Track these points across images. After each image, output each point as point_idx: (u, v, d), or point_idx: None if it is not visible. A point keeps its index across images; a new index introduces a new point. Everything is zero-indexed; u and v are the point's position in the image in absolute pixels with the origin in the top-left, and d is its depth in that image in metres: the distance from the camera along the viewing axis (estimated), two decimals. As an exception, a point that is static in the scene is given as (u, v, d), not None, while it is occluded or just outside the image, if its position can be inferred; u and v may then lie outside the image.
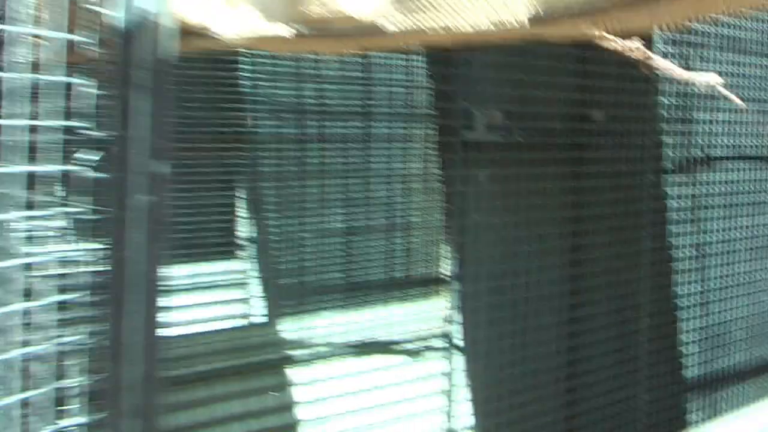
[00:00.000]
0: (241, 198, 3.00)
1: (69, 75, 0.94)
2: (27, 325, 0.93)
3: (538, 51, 2.80)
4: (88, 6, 0.93)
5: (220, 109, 2.86)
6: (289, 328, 2.89)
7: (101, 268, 0.92)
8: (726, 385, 3.67)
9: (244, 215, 3.09)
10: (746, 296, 3.71)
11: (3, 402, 0.89)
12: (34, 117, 0.93)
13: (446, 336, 3.13)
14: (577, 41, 1.45)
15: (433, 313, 3.15)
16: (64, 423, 0.93)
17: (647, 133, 3.19)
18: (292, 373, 2.86)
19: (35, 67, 0.93)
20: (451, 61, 2.90)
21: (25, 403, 0.91)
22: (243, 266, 2.94)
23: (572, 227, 3.17)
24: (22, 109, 0.93)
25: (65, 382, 0.94)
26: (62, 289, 0.94)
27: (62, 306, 0.94)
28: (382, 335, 3.08)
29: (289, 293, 2.97)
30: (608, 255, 3.18)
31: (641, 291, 3.29)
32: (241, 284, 2.94)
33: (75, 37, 0.94)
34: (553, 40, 1.34)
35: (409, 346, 3.14)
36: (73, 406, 0.94)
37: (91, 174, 0.92)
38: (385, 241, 3.17)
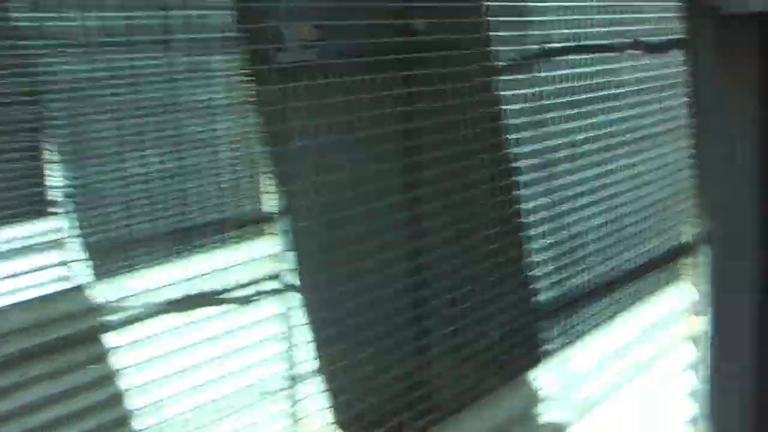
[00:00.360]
0: (43, 148, 2.72)
1: None
2: None
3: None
4: None
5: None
6: (106, 289, 2.59)
7: None
8: (583, 303, 3.50)
9: (49, 167, 2.82)
10: (600, 202, 3.52)
11: None
12: None
13: (278, 277, 2.90)
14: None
15: (261, 255, 2.88)
16: None
17: (475, 31, 2.90)
18: (114, 339, 2.54)
19: None
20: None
21: None
22: (49, 226, 2.66)
23: (404, 143, 2.90)
24: None
25: None
26: None
27: None
28: (210, 285, 2.82)
29: (103, 251, 2.72)
30: (447, 171, 2.93)
31: (486, 210, 3.06)
32: (51, 246, 2.65)
33: None
34: None
35: (240, 293, 2.92)
36: None
37: None
38: (201, 182, 2.91)
